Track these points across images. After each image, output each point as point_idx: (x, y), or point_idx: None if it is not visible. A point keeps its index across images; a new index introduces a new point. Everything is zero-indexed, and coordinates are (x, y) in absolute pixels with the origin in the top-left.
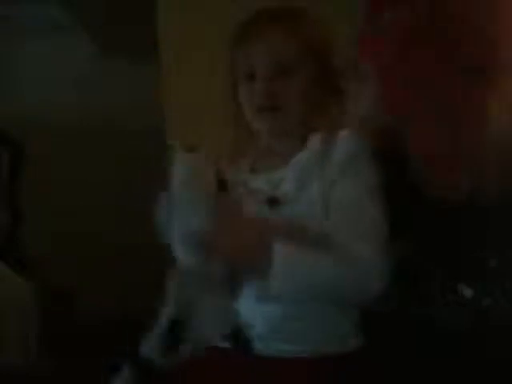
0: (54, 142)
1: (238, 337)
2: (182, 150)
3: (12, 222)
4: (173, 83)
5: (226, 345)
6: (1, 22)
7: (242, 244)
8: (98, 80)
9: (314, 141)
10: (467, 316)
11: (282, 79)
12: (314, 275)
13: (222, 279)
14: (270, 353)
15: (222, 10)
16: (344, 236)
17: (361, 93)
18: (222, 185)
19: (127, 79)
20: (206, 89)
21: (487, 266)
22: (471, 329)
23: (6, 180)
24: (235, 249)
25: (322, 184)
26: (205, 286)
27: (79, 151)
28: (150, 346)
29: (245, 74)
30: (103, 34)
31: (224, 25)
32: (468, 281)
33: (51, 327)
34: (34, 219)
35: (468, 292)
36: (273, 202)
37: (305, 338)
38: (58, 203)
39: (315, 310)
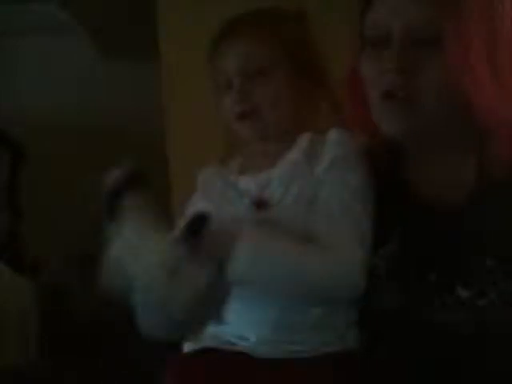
0: (54, 142)
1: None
2: None
3: (12, 222)
4: (173, 83)
5: (225, 346)
6: (1, 22)
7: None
8: (99, 80)
9: (303, 140)
10: (464, 317)
11: (257, 84)
12: (280, 264)
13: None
14: (270, 354)
15: (222, 9)
16: (326, 237)
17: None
18: None
19: (128, 79)
20: (206, 89)
21: (484, 267)
22: (468, 329)
23: (5, 180)
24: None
25: (308, 184)
26: None
27: (79, 151)
28: None
29: (224, 86)
30: (104, 34)
31: None
32: (464, 282)
33: (51, 327)
34: (34, 219)
35: (464, 293)
36: (260, 204)
37: (303, 338)
38: (57, 203)
39: (312, 310)
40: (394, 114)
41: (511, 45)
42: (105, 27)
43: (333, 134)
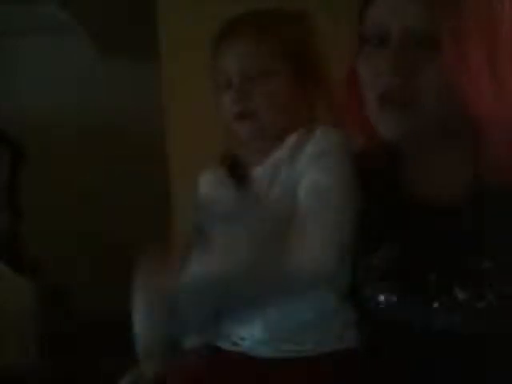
0: (54, 142)
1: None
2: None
3: (12, 222)
4: (173, 83)
5: (226, 346)
6: (1, 22)
7: None
8: (99, 80)
9: (290, 138)
10: (463, 317)
11: (257, 84)
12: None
13: None
14: (270, 354)
15: (222, 9)
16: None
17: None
18: None
19: (128, 79)
20: (206, 89)
21: (482, 268)
22: (468, 330)
23: (5, 180)
24: None
25: (291, 176)
26: None
27: (79, 151)
28: None
29: (223, 85)
30: (104, 34)
31: None
32: (462, 283)
33: (51, 327)
34: (34, 219)
35: (461, 294)
36: (247, 201)
37: (303, 338)
38: (57, 203)
39: (312, 309)
40: (391, 115)
41: (510, 45)
42: (105, 27)
43: (318, 131)
